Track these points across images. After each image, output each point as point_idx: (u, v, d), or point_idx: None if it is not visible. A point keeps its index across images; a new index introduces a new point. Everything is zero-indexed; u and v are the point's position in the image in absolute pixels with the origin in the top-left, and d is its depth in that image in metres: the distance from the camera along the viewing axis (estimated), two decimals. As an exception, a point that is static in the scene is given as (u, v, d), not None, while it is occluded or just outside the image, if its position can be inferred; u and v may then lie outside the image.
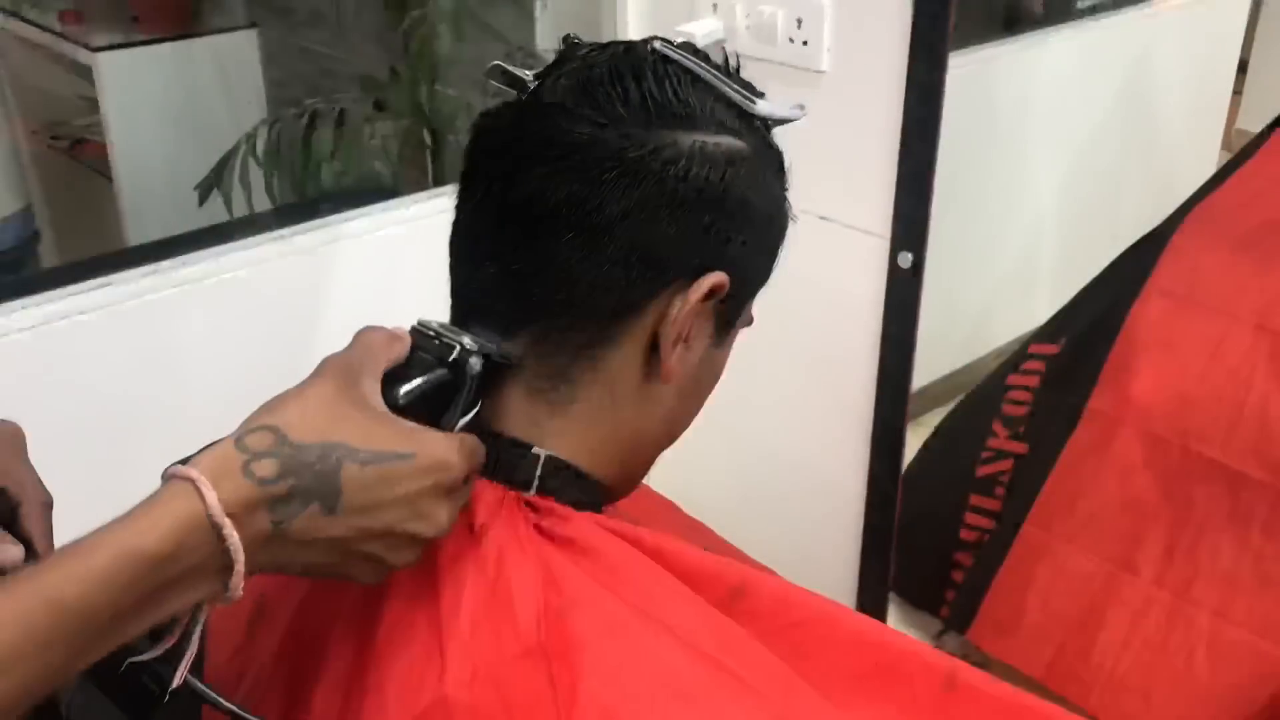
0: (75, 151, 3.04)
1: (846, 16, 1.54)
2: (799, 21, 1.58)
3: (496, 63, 0.70)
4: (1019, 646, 1.87)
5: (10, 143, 2.69)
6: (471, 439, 0.64)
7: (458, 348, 0.66)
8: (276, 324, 1.63)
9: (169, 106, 2.78)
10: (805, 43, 1.58)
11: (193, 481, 0.53)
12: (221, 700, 0.61)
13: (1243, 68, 3.35)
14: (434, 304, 0.74)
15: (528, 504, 0.69)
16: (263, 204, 2.09)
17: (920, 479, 2.08)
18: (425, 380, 0.65)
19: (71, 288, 1.44)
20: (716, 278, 0.68)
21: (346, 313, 1.68)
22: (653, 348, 0.69)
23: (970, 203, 2.53)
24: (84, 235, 3.03)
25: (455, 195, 0.73)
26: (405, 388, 0.64)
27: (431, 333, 0.67)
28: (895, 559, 1.75)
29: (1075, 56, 2.89)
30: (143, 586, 0.52)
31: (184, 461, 0.55)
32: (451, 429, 0.65)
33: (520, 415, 0.70)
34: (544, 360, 0.69)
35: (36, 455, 0.69)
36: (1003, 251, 2.86)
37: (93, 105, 2.83)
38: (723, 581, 0.71)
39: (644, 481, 0.79)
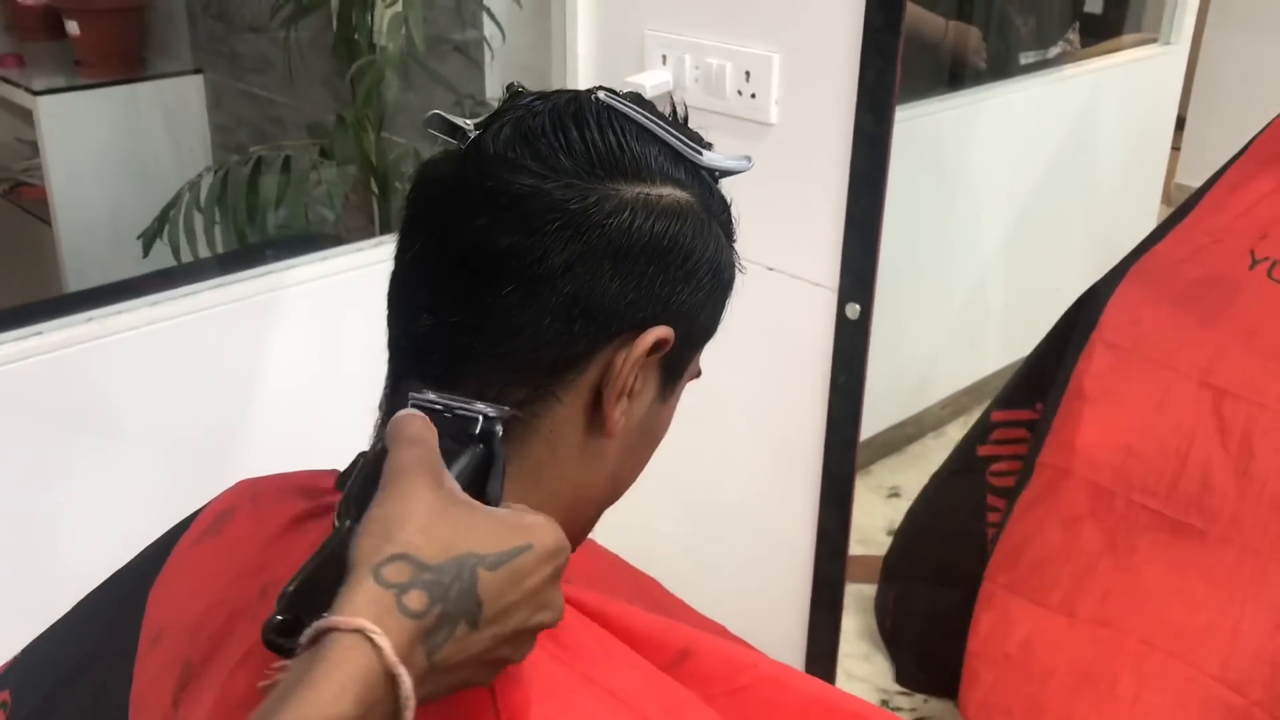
0: (14, 195, 2.99)
1: (794, 70, 1.55)
2: (747, 74, 1.59)
3: (435, 112, 0.69)
4: (959, 690, 1.86)
5: (-53, 186, 2.64)
6: (544, 515, 0.60)
7: (480, 419, 0.63)
8: (217, 372, 1.60)
9: (112, 151, 2.75)
10: (754, 95, 1.59)
11: (362, 632, 0.50)
12: None
13: (1180, 124, 3.43)
14: (380, 352, 0.72)
15: None
16: (206, 252, 2.06)
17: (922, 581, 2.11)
18: (469, 459, 0.62)
19: (3, 335, 1.41)
20: (661, 331, 0.67)
21: (290, 361, 1.65)
22: (596, 403, 0.68)
23: (916, 253, 2.55)
24: (22, 280, 2.98)
25: (395, 245, 0.71)
26: (456, 472, 0.60)
27: (440, 407, 0.64)
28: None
29: (1018, 111, 2.94)
30: None
31: (329, 610, 0.51)
32: (498, 502, 0.62)
33: None
34: None
35: None
36: (948, 302, 2.88)
37: (33, 149, 2.79)
38: (668, 645, 0.69)
39: (589, 536, 0.77)
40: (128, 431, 1.51)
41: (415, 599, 0.51)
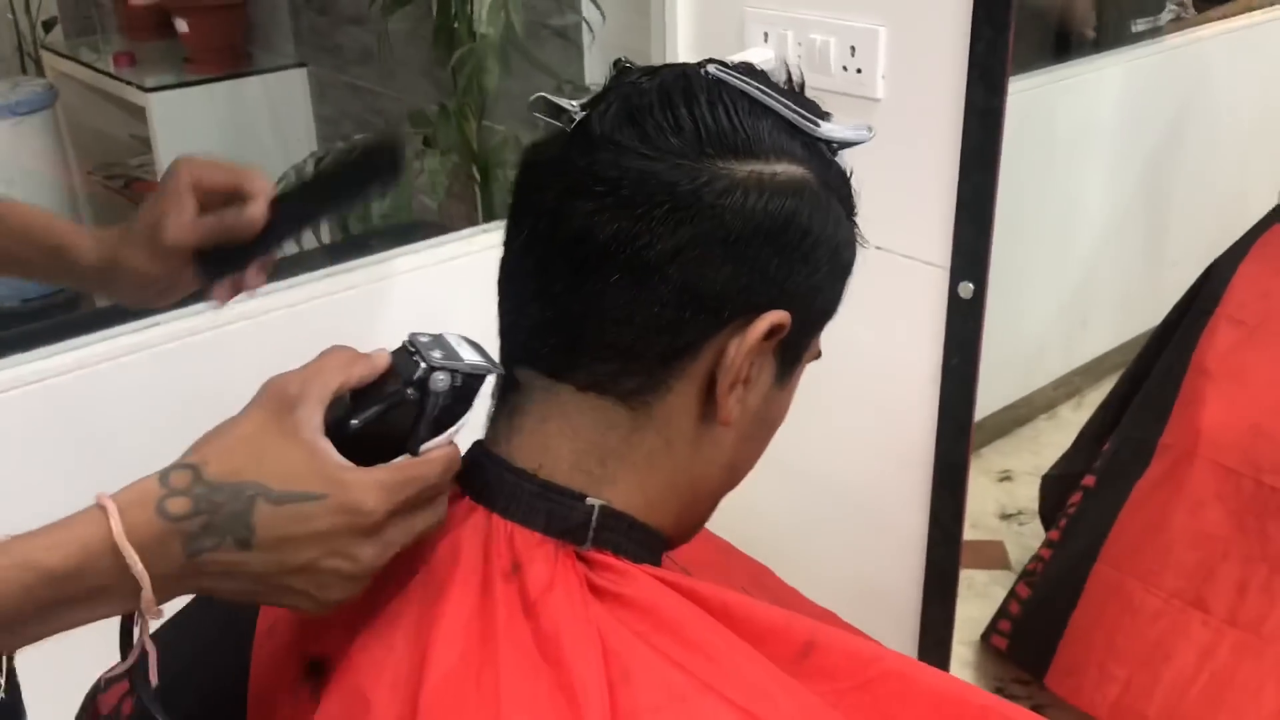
0: (129, 191, 3.07)
1: (901, 43, 1.51)
2: (852, 49, 1.55)
3: (540, 94, 0.67)
4: (1085, 687, 1.80)
5: (66, 183, 2.72)
6: (407, 471, 0.61)
7: (422, 365, 0.63)
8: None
9: (220, 145, 2.80)
10: (859, 70, 1.55)
11: (105, 509, 0.56)
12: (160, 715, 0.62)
13: (1304, 90, 3.29)
14: (483, 341, 0.71)
15: (581, 558, 0.65)
16: (311, 240, 2.09)
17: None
18: (384, 404, 0.63)
19: (119, 328, 1.43)
20: (776, 316, 0.64)
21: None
22: (710, 390, 0.65)
23: (1025, 230, 2.48)
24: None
25: (503, 231, 0.70)
26: (361, 414, 0.63)
27: (412, 349, 0.64)
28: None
29: (1131, 81, 2.84)
30: (41, 597, 0.55)
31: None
32: (415, 452, 0.62)
33: (569, 461, 0.66)
34: (594, 405, 0.66)
35: (66, 499, 0.69)
36: (1059, 279, 2.80)
37: (146, 145, 2.86)
38: (791, 638, 0.66)
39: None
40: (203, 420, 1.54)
41: (178, 504, 0.57)
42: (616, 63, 0.69)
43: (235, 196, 0.79)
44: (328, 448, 0.60)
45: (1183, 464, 1.75)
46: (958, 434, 1.62)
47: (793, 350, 0.68)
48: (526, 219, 0.67)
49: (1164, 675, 1.69)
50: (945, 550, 1.69)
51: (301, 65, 2.89)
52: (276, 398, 0.61)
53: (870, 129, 0.69)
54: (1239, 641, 1.66)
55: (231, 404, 0.75)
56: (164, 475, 0.58)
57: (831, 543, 1.77)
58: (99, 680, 0.81)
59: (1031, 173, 2.40)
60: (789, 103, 0.66)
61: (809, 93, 0.71)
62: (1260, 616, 1.65)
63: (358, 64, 2.71)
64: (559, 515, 0.65)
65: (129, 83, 2.78)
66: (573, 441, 0.66)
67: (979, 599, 2.24)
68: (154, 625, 0.61)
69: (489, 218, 2.02)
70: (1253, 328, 1.79)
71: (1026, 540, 2.45)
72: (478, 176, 2.01)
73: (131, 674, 0.62)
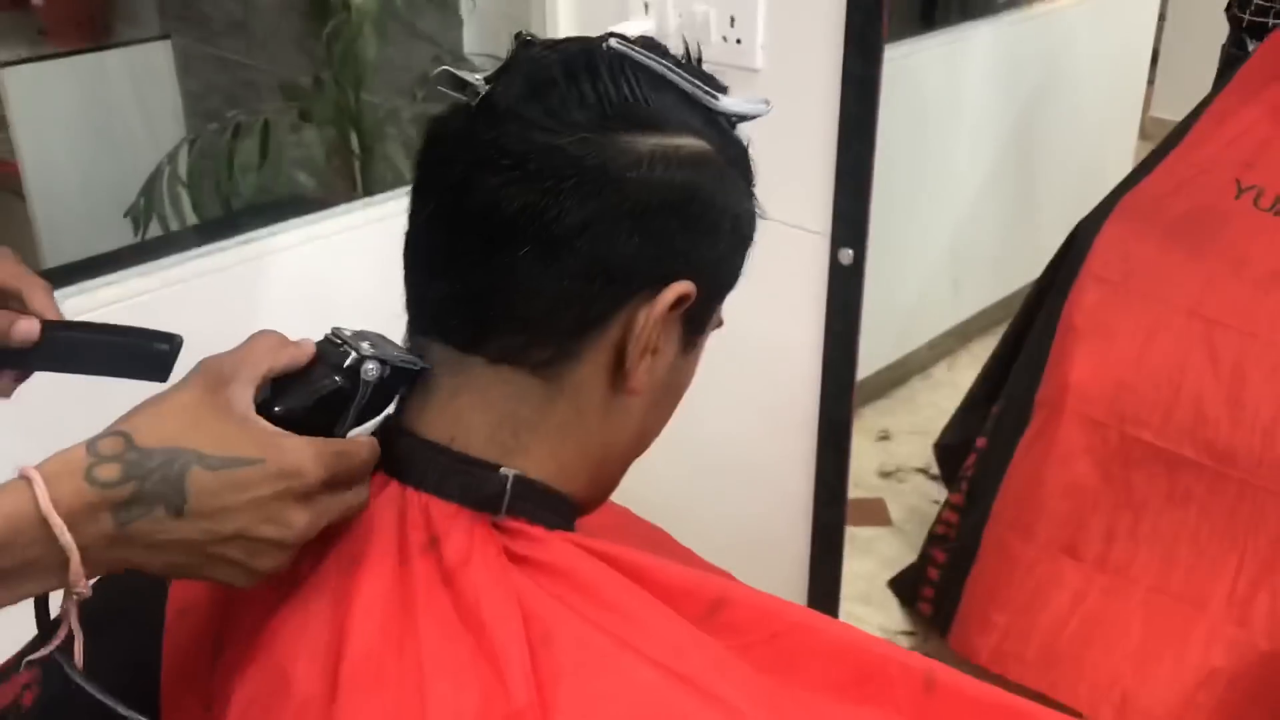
0: (-16, 171, 2.94)
1: (779, 14, 1.53)
2: (732, 19, 1.57)
3: (444, 68, 0.67)
4: (969, 636, 1.88)
5: (-87, 164, 2.60)
6: (341, 445, 0.62)
7: (353, 354, 0.64)
8: (206, 342, 1.58)
9: (82, 121, 2.70)
10: (739, 41, 1.57)
11: (29, 479, 0.54)
12: (100, 695, 0.61)
13: (1154, 58, 3.43)
14: (367, 318, 0.71)
15: (497, 527, 0.66)
16: (190, 220, 2.04)
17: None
18: (315, 387, 0.63)
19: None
20: (683, 287, 0.66)
21: (279, 327, 1.63)
22: (619, 361, 0.67)
23: (896, 197, 2.54)
24: (-3, 256, 2.93)
25: (407, 202, 0.69)
26: (293, 395, 0.63)
27: (339, 340, 0.65)
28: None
29: (995, 49, 2.93)
30: None
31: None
32: (342, 435, 0.63)
33: (482, 434, 0.67)
34: (506, 378, 0.66)
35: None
36: (930, 244, 2.88)
37: (1, 122, 2.74)
38: (701, 596, 0.68)
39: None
40: (120, 406, 1.50)
41: (108, 470, 0.55)
42: (518, 35, 0.69)
43: (14, 300, 0.73)
44: (260, 419, 0.60)
45: (1054, 419, 1.82)
46: (840, 395, 1.66)
47: (697, 319, 0.70)
48: (433, 192, 0.67)
49: (1040, 620, 1.77)
50: (831, 508, 1.74)
51: (165, 37, 2.80)
52: (210, 373, 0.61)
53: (767, 102, 0.71)
54: (1108, 585, 1.74)
55: (103, 393, 0.74)
56: (92, 443, 0.57)
57: (722, 504, 1.80)
58: None
59: (902, 139, 2.46)
60: (689, 77, 0.67)
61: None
62: (1127, 560, 1.74)
63: (226, 35, 2.64)
64: (473, 486, 0.66)
65: (-20, 57, 2.66)
66: (485, 414, 0.67)
67: (863, 555, 2.31)
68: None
69: (369, 192, 1.99)
70: (1116, 285, 1.87)
71: (906, 497, 2.53)
72: (357, 150, 1.99)
73: (50, 659, 0.60)
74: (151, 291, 1.52)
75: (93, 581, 0.58)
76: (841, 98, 1.49)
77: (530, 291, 0.64)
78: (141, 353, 0.60)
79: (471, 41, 1.94)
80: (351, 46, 1.87)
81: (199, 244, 1.62)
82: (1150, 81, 3.43)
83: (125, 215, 2.02)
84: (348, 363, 0.63)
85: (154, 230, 2.03)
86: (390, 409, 0.68)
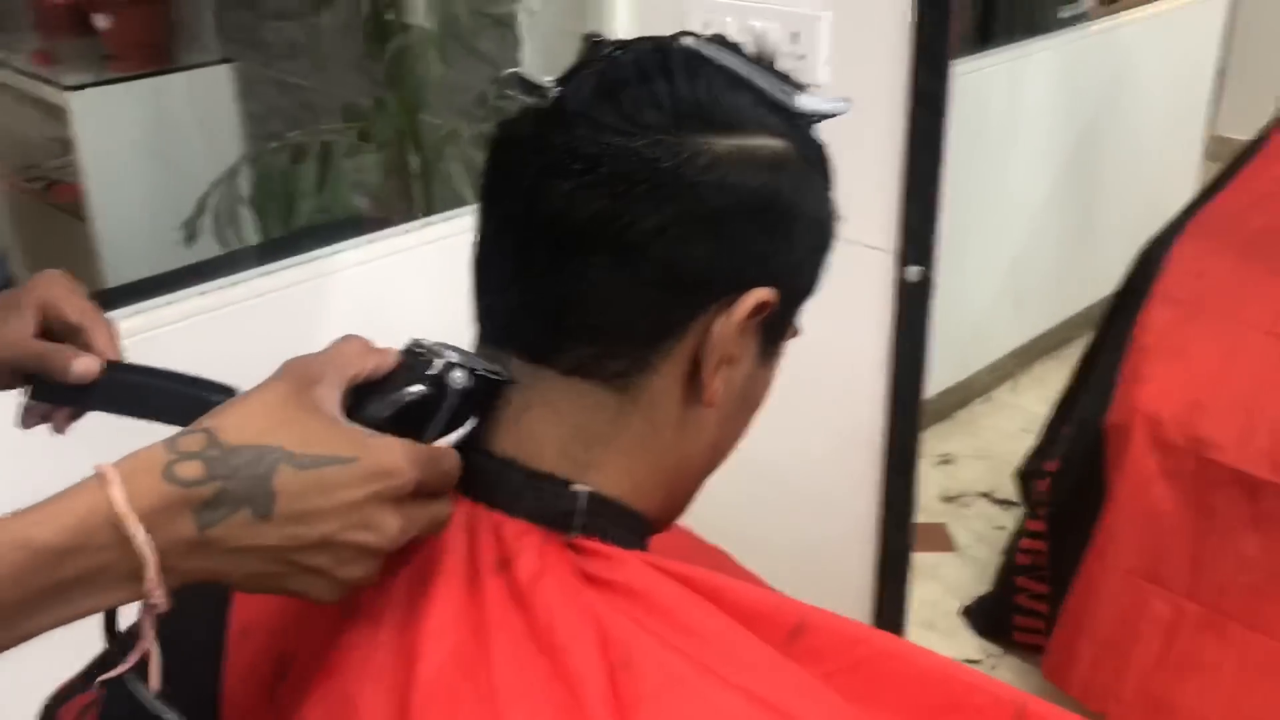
0: (49, 194, 2.98)
1: (844, 29, 1.51)
2: (794, 35, 1.54)
3: (514, 70, 0.65)
4: (1057, 667, 1.83)
5: (-19, 187, 2.64)
6: (431, 449, 0.59)
7: (439, 362, 0.61)
8: (266, 362, 1.57)
9: (144, 145, 2.73)
10: (802, 57, 1.55)
11: (104, 477, 0.51)
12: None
13: (1220, 74, 3.36)
14: (427, 334, 0.69)
15: (570, 546, 0.64)
16: (250, 239, 2.05)
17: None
18: (401, 394, 0.61)
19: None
20: (761, 294, 0.63)
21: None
22: (694, 371, 0.64)
23: (961, 214, 2.50)
24: (61, 279, 2.97)
25: (467, 222, 0.67)
26: (378, 402, 0.61)
27: (421, 350, 0.63)
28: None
29: (1055, 66, 2.88)
30: (35, 580, 0.49)
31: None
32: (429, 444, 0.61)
33: (554, 449, 0.65)
34: (578, 390, 0.64)
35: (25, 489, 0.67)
36: (992, 264, 2.84)
37: (65, 146, 2.77)
38: (781, 620, 0.65)
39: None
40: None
41: (190, 468, 0.52)
42: (588, 37, 0.67)
43: (77, 337, 0.71)
44: (348, 421, 0.57)
45: (1127, 442, 1.77)
46: (907, 417, 1.62)
47: (775, 328, 0.67)
48: (502, 199, 0.65)
49: (1132, 655, 1.71)
50: (897, 534, 1.70)
51: (227, 61, 2.83)
52: (297, 373, 0.58)
53: (848, 100, 0.68)
54: (1200, 617, 1.68)
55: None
56: (172, 440, 0.53)
57: (785, 527, 1.77)
58: (57, 691, 0.78)
59: (961, 156, 2.42)
60: (766, 75, 0.65)
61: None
62: (1217, 589, 1.68)
63: (285, 59, 2.66)
64: (546, 503, 0.63)
65: (47, 81, 2.69)
66: (557, 428, 0.64)
67: (927, 580, 2.26)
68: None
69: (429, 212, 1.99)
70: (1189, 304, 1.82)
71: (970, 522, 2.48)
72: (416, 170, 1.98)
73: (130, 678, 0.57)
74: (219, 309, 1.52)
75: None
76: (909, 113, 1.46)
77: (603, 301, 0.62)
78: (198, 404, 0.58)
79: (531, 62, 1.93)
80: (412, 68, 1.87)
81: (258, 264, 1.62)
82: (1215, 99, 3.36)
83: (180, 226, 2.03)
84: (433, 370, 0.61)
85: (211, 247, 2.04)
86: (473, 421, 0.65)
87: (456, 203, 1.87)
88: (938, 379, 2.79)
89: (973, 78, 2.63)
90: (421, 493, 0.58)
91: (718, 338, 0.63)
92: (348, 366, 0.60)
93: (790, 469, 1.80)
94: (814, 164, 0.66)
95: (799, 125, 0.66)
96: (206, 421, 0.55)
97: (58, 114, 2.70)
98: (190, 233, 2.00)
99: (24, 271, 2.86)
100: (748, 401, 0.70)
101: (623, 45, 0.65)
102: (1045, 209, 2.93)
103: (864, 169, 1.52)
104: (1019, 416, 2.80)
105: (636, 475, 0.66)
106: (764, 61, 0.67)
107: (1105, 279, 2.99)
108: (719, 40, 0.65)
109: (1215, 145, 3.42)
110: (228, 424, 0.54)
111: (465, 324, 0.69)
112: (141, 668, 0.57)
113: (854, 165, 1.53)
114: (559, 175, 0.61)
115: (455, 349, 0.63)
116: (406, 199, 2.05)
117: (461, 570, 0.62)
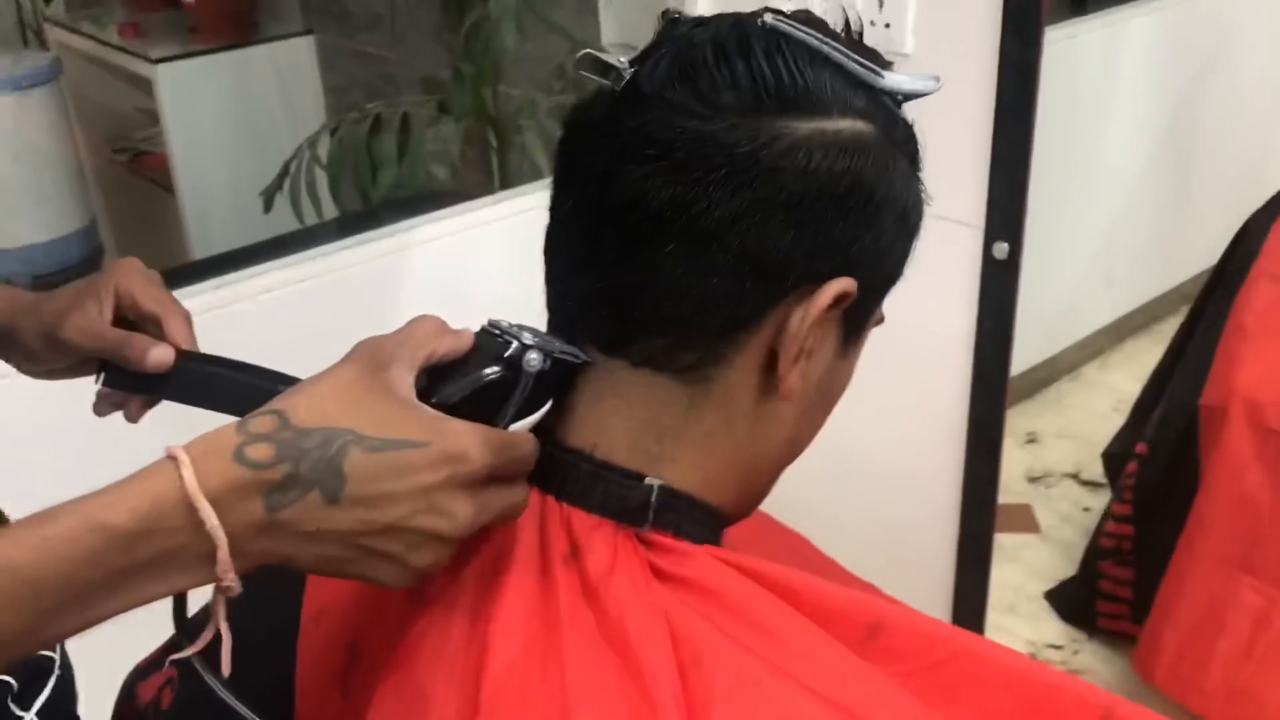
0: (136, 165, 3.03)
1: (932, -4, 1.46)
2: (880, 3, 1.50)
3: (587, 50, 0.63)
4: (1143, 657, 1.78)
5: (73, 158, 2.68)
6: (506, 434, 0.57)
7: (515, 343, 0.60)
8: (345, 336, 1.58)
9: (228, 116, 2.76)
10: (888, 25, 1.51)
11: (175, 459, 0.50)
12: (238, 704, 0.59)
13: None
14: (505, 309, 0.68)
15: (641, 540, 0.62)
16: (328, 209, 2.06)
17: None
18: (475, 376, 0.60)
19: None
20: (842, 284, 0.60)
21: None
22: (771, 363, 0.62)
23: (1051, 186, 2.43)
24: (148, 248, 3.01)
25: (549, 195, 0.65)
26: (452, 384, 0.59)
27: (497, 331, 0.61)
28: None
29: (1153, 34, 2.78)
30: (108, 563, 0.49)
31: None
32: (503, 428, 0.60)
33: (625, 441, 0.63)
34: (649, 382, 0.62)
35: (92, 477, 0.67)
36: (1083, 239, 2.75)
37: (152, 118, 2.82)
38: (858, 619, 0.63)
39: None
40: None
41: (261, 450, 0.51)
42: (664, 13, 0.64)
43: (152, 326, 0.71)
44: (421, 404, 0.56)
45: (1221, 426, 1.71)
46: (992, 398, 1.58)
47: (857, 318, 0.65)
48: (574, 184, 0.63)
49: (1218, 646, 1.65)
50: (979, 517, 1.66)
51: (309, 32, 2.85)
52: (370, 354, 0.57)
53: (937, 79, 0.65)
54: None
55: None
56: (243, 422, 0.53)
57: (865, 508, 1.74)
58: (137, 666, 0.78)
59: (1053, 127, 2.35)
60: (851, 53, 0.61)
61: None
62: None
63: (365, 30, 2.67)
64: (617, 496, 0.62)
65: (135, 54, 2.73)
66: (628, 420, 0.63)
67: (1008, 563, 2.21)
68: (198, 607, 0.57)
69: (506, 184, 1.98)
70: (1291, 283, 1.75)
71: (1055, 503, 2.42)
72: (494, 143, 1.97)
73: (197, 660, 0.58)
74: (300, 283, 1.53)
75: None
76: (998, 83, 1.42)
77: (676, 290, 0.59)
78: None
79: (610, 32, 1.91)
80: (490, 39, 1.85)
81: (338, 238, 1.63)
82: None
83: (260, 194, 2.05)
84: (509, 353, 0.60)
85: (289, 217, 2.05)
86: (549, 404, 0.64)
87: (534, 175, 1.86)
88: (1024, 355, 2.72)
89: (1066, 45, 2.55)
90: (496, 478, 0.56)
91: (795, 330, 0.60)
92: (421, 348, 0.58)
93: (871, 449, 1.76)
94: (900, 146, 0.63)
95: (885, 105, 0.62)
96: (278, 403, 0.54)
97: (145, 86, 2.74)
98: (269, 200, 2.01)
99: (113, 243, 2.92)
100: (827, 394, 0.67)
101: (701, 23, 0.62)
102: (1139, 181, 2.84)
103: (951, 142, 1.48)
104: (1108, 395, 2.73)
105: (708, 469, 0.64)
106: (850, 38, 0.64)
107: (1201, 255, 2.88)
108: (802, 16, 0.62)
109: (1319, 116, 3.29)
110: (299, 406, 0.54)
111: (542, 299, 0.67)
112: (212, 652, 0.57)
113: (941, 138, 1.49)
114: (632, 160, 0.59)
115: (532, 331, 0.62)
116: (485, 171, 2.04)
117: (533, 562, 0.60)
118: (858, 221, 0.60)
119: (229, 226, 2.63)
